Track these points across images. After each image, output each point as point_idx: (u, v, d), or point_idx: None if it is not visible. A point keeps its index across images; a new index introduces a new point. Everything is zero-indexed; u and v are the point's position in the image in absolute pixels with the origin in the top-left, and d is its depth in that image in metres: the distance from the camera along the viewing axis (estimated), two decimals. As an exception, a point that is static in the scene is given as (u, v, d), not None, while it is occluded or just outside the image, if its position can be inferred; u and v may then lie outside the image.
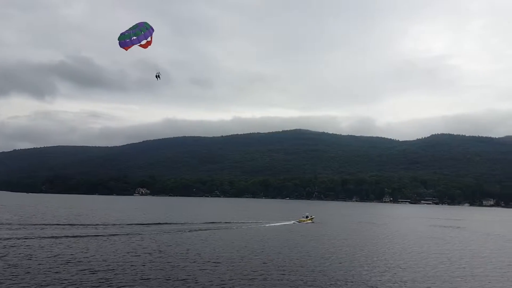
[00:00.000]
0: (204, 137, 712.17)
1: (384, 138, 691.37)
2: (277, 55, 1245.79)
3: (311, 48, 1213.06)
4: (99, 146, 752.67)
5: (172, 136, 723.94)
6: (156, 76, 43.05)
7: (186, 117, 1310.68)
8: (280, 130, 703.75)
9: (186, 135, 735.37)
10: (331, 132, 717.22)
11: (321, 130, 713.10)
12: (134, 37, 40.06)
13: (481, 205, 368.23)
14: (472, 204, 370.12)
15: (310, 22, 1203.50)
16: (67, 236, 57.58)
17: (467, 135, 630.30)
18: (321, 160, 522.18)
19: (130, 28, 40.95)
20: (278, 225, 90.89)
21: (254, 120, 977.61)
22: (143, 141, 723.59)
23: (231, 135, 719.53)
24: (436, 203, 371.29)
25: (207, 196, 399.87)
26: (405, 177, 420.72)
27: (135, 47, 41.08)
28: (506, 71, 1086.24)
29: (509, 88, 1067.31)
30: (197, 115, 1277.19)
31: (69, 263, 38.47)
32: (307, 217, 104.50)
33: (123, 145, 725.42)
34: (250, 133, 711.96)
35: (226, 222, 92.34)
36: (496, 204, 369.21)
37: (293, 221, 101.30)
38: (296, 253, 50.73)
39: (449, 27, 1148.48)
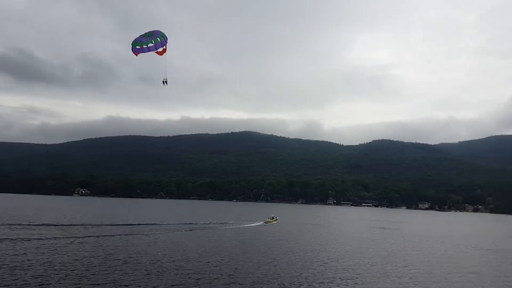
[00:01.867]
0: (150, 136, 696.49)
1: (330, 142, 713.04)
2: (227, 56, 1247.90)
3: (262, 51, 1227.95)
4: (37, 143, 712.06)
5: (116, 135, 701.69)
6: (163, 82, 44.55)
7: (132, 115, 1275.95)
8: (229, 132, 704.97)
9: (131, 134, 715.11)
10: (279, 135, 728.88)
11: (269, 133, 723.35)
12: (151, 44, 42.99)
13: (417, 208, 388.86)
14: (408, 207, 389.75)
15: (262, 26, 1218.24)
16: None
17: (405, 141, 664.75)
18: (269, 163, 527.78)
19: (145, 35, 43.72)
20: (250, 226, 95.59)
21: (203, 120, 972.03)
22: (85, 139, 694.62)
23: (179, 135, 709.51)
24: (376, 206, 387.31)
25: (151, 198, 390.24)
26: (348, 180, 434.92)
27: (151, 53, 43.96)
28: (443, 82, 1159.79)
29: (444, 98, 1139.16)
30: (144, 114, 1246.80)
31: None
32: (272, 218, 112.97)
33: (63, 143, 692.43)
34: (199, 134, 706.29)
35: (205, 223, 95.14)
36: (431, 208, 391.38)
37: (261, 222, 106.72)
38: (251, 255, 50.26)
39: (393, 38, 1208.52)
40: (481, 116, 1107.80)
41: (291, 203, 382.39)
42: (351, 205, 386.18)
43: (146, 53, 43.81)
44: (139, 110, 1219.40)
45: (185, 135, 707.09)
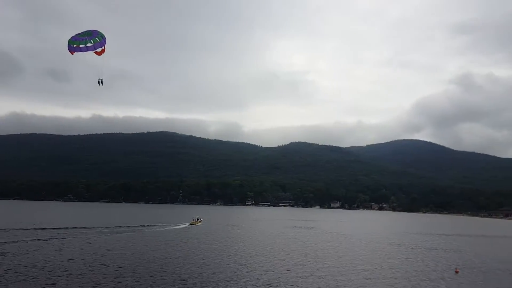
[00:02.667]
0: (57, 135, 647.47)
1: (250, 144, 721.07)
2: (144, 52, 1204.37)
3: (182, 50, 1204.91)
4: None
5: (19, 133, 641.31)
6: (98, 82, 44.74)
7: (37, 112, 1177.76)
8: (145, 132, 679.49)
9: (37, 132, 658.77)
10: (198, 136, 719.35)
11: (188, 133, 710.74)
12: (90, 44, 42.71)
13: (329, 207, 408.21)
14: (322, 206, 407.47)
15: (180, 24, 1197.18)
16: None
17: (320, 144, 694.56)
18: (187, 164, 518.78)
19: (82, 34, 43.16)
20: (177, 228, 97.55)
21: (116, 119, 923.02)
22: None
23: (90, 134, 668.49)
24: (292, 206, 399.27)
25: (59, 200, 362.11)
26: (267, 181, 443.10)
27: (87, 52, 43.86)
28: (352, 89, 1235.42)
29: (353, 104, 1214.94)
30: (51, 111, 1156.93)
31: None
32: (197, 219, 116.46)
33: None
34: (112, 133, 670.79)
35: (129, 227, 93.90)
36: (342, 207, 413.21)
37: (186, 224, 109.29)
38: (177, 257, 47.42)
39: (307, 45, 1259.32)
40: (386, 122, 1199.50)
41: (209, 204, 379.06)
42: (269, 205, 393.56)
43: (84, 52, 43.85)
44: (45, 107, 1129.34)
45: (97, 134, 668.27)
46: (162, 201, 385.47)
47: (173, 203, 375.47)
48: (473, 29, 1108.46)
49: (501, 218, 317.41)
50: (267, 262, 51.40)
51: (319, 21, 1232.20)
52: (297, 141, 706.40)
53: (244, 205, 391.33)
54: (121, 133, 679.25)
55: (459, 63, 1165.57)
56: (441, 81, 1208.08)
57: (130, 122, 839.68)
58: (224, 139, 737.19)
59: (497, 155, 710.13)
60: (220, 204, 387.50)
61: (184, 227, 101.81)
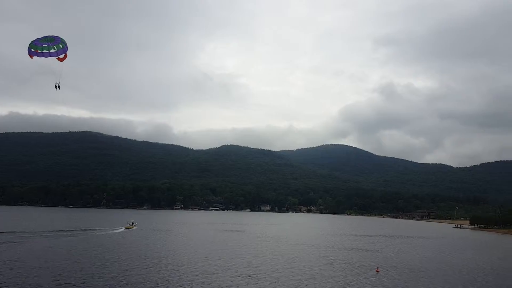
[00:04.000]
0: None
1: (180, 146, 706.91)
2: (69, 49, 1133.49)
3: (108, 47, 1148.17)
4: None
5: None
6: (55, 86, 45.41)
7: None
8: (67, 131, 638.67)
9: None
10: (125, 137, 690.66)
11: (114, 134, 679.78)
12: (53, 50, 43.80)
13: (259, 210, 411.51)
14: (252, 209, 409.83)
15: (108, 20, 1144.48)
16: None
17: (251, 147, 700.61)
18: (113, 166, 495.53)
19: (45, 40, 43.81)
20: (112, 233, 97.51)
21: (36, 117, 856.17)
22: None
23: (6, 133, 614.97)
24: (223, 209, 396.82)
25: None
26: (197, 184, 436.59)
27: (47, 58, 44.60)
28: (284, 94, 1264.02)
29: (286, 108, 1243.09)
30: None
31: None
32: (132, 223, 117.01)
33: None
34: (30, 132, 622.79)
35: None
36: (272, 210, 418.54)
37: (122, 228, 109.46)
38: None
39: (242, 48, 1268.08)
40: (315, 127, 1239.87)
41: (136, 208, 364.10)
42: (199, 209, 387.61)
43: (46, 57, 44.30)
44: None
45: (14, 132, 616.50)
46: (84, 204, 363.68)
47: (96, 207, 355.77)
48: (394, 42, 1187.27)
49: (417, 219, 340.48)
50: (200, 266, 50.21)
51: (255, 26, 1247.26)
52: (229, 144, 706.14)
53: (173, 209, 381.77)
54: (40, 132, 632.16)
55: (382, 73, 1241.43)
56: (366, 90, 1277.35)
57: (51, 120, 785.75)
58: (153, 141, 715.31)
59: (415, 161, 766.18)
60: (147, 208, 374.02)
61: (121, 231, 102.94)
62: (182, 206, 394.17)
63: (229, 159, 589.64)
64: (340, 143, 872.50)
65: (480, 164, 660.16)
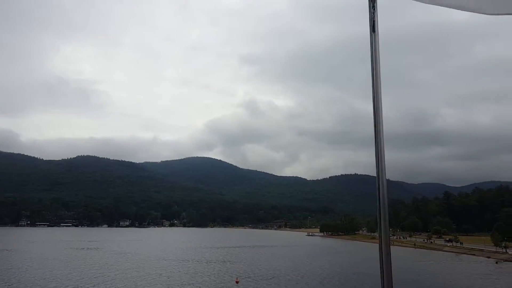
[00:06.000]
0: None
1: (27, 155, 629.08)
2: None
3: None
4: None
5: None
6: None
7: None
8: None
9: None
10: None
11: None
12: None
13: (118, 225, 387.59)
14: (110, 225, 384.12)
15: None
16: None
17: (111, 158, 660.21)
18: None
19: None
20: None
21: None
22: None
23: None
24: (76, 225, 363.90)
25: None
26: (46, 198, 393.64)
27: None
28: (149, 104, 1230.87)
29: (150, 119, 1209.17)
30: None
31: None
32: None
33: None
34: None
35: None
36: (132, 225, 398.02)
37: None
38: None
39: (102, 54, 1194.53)
40: (181, 139, 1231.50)
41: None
42: (48, 225, 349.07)
43: None
44: None
45: None
46: None
47: None
48: (258, 62, 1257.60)
49: (275, 229, 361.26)
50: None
51: (119, 33, 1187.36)
52: (85, 155, 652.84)
53: (18, 225, 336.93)
54: None
55: (247, 89, 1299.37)
56: (232, 104, 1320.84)
57: None
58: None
59: (275, 173, 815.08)
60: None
61: None
62: (29, 222, 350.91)
63: (85, 171, 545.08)
64: (206, 156, 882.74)
65: (329, 177, 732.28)
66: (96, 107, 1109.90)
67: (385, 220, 2.62)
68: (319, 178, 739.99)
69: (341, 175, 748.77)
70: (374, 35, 2.78)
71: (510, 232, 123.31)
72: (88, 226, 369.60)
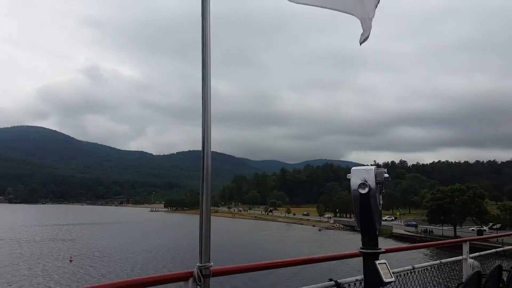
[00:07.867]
0: None
1: None
2: None
3: None
4: None
5: None
6: None
7: None
8: None
9: None
10: None
11: None
12: None
13: None
14: None
15: None
16: None
17: None
18: None
19: None
20: None
21: None
22: None
23: None
24: None
25: None
26: None
27: None
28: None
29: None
30: None
31: None
32: None
33: None
34: None
35: None
36: None
37: None
38: None
39: None
40: (6, 105, 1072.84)
41: None
42: None
43: None
44: None
45: None
46: None
47: None
48: (101, 25, 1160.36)
49: (116, 205, 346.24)
50: None
51: None
52: None
53: None
54: None
55: (88, 55, 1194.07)
56: (69, 70, 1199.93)
57: None
58: None
59: (117, 147, 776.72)
60: None
61: None
62: None
63: None
64: (38, 125, 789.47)
65: (177, 152, 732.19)
66: None
67: (207, 189, 2.46)
68: (166, 154, 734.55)
69: (189, 151, 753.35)
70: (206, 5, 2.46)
71: (333, 202, 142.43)
72: None
